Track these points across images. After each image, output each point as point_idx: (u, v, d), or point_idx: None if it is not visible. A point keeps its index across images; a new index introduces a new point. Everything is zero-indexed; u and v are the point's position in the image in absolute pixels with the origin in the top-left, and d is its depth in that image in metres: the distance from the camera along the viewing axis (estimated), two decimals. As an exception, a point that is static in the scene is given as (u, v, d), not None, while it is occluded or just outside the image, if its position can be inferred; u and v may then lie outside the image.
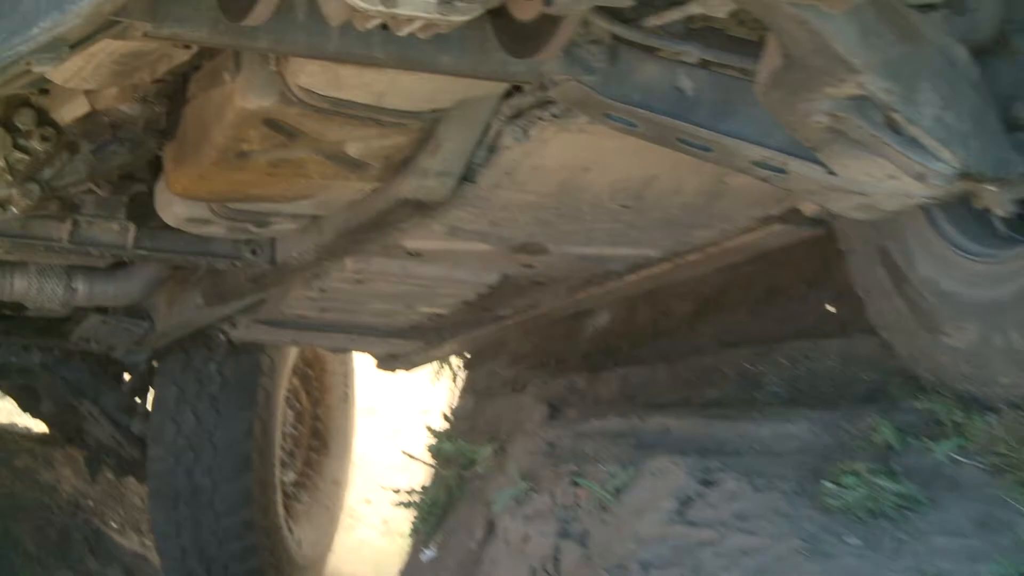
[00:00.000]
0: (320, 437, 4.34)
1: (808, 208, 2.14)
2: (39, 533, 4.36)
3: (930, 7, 1.41)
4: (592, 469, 2.05)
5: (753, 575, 1.65)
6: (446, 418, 3.25)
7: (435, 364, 3.60)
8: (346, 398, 4.51)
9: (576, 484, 2.03)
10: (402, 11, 1.26)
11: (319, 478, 4.32)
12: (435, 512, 2.66)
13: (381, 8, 1.24)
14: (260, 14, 1.37)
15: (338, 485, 4.45)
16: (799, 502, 1.75)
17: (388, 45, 1.51)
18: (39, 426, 4.81)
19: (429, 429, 3.07)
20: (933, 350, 1.87)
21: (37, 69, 1.36)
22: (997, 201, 1.56)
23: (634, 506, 1.91)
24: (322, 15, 1.35)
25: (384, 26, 1.33)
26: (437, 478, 2.76)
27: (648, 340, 2.78)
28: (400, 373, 3.51)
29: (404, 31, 1.30)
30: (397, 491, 2.88)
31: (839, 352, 2.31)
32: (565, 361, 2.90)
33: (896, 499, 1.69)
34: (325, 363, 4.30)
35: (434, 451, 2.81)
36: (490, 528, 2.26)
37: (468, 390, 3.31)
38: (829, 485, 1.73)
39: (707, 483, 1.87)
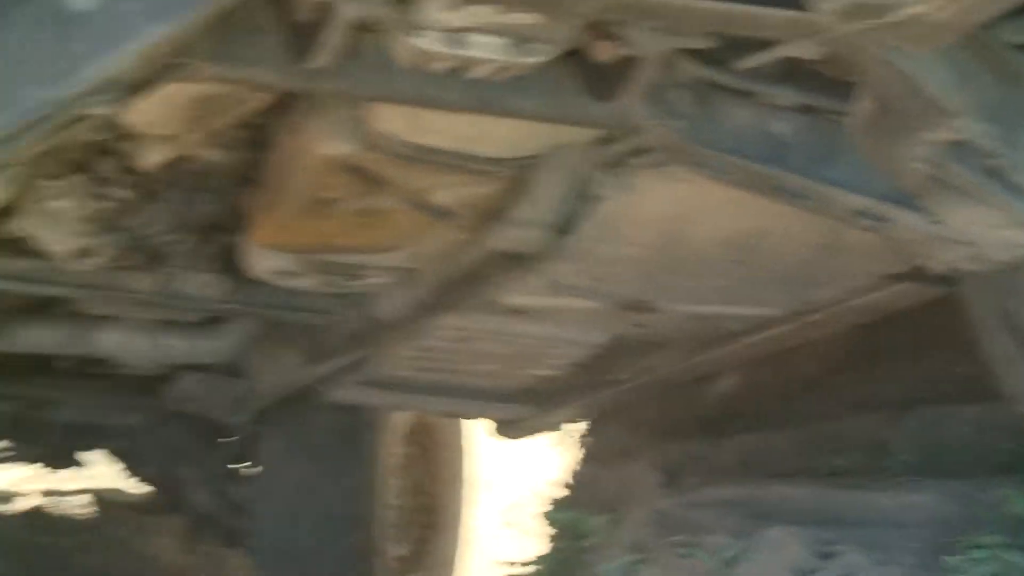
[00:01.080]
0: (432, 514, 4.21)
1: (934, 266, 2.04)
2: None
3: (1032, 47, 1.34)
4: (705, 540, 1.99)
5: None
6: (563, 487, 3.20)
7: (553, 432, 3.54)
8: (459, 476, 4.38)
9: (687, 556, 1.97)
10: (473, 53, 1.24)
11: (430, 557, 4.20)
12: None
13: (450, 51, 1.23)
14: (324, 55, 1.37)
15: (449, 567, 4.31)
16: (921, 576, 1.64)
17: (463, 88, 1.48)
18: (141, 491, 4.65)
19: (545, 498, 3.03)
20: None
21: (93, 112, 1.34)
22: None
23: (749, 580, 1.83)
24: (391, 57, 1.34)
25: (457, 68, 1.32)
26: (552, 550, 2.72)
27: (772, 404, 2.70)
28: (517, 442, 3.49)
29: (478, 74, 1.30)
30: (512, 563, 2.82)
31: (975, 419, 2.18)
32: (685, 427, 2.83)
33: (1026, 575, 1.57)
34: (438, 436, 4.21)
35: (549, 520, 2.77)
36: (601, 602, 2.21)
37: (586, 458, 3.27)
38: (954, 560, 1.61)
39: (825, 556, 1.79)
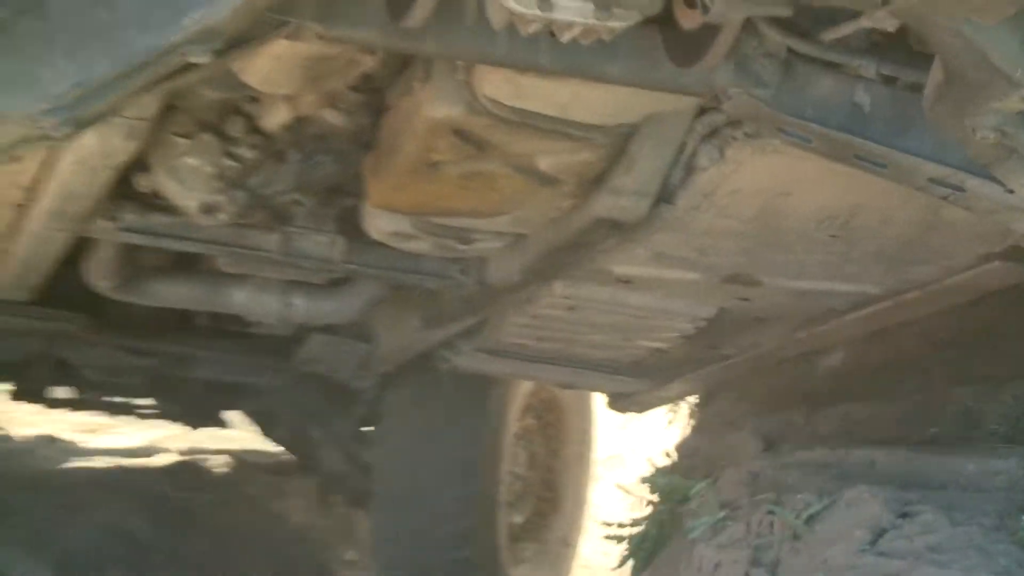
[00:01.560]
0: (553, 490, 4.21)
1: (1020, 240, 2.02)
2: (264, 563, 4.28)
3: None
4: (790, 499, 2.07)
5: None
6: (667, 455, 3.30)
7: (666, 408, 3.64)
8: (584, 456, 4.37)
9: (771, 513, 2.07)
10: (559, 16, 1.29)
11: (547, 532, 4.20)
12: (645, 547, 2.73)
13: (538, 12, 1.28)
14: (419, 15, 1.43)
15: (567, 546, 4.30)
16: (997, 537, 1.69)
17: (553, 52, 1.54)
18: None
19: (650, 463, 3.13)
20: None
21: (193, 60, 1.40)
22: None
23: (827, 536, 1.92)
24: (486, 20, 1.39)
25: (551, 33, 1.37)
26: (652, 512, 2.83)
27: (874, 380, 2.74)
28: (632, 417, 3.58)
29: (565, 37, 1.35)
30: (609, 524, 2.94)
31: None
32: (789, 400, 2.90)
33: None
34: (563, 411, 4.21)
35: (651, 485, 2.87)
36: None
37: (692, 429, 3.36)
38: (1033, 521, 1.66)
39: (903, 515, 1.84)
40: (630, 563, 2.84)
